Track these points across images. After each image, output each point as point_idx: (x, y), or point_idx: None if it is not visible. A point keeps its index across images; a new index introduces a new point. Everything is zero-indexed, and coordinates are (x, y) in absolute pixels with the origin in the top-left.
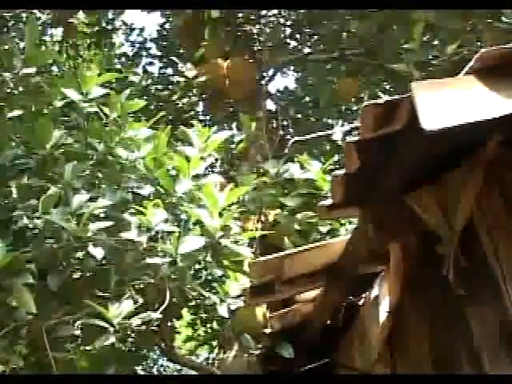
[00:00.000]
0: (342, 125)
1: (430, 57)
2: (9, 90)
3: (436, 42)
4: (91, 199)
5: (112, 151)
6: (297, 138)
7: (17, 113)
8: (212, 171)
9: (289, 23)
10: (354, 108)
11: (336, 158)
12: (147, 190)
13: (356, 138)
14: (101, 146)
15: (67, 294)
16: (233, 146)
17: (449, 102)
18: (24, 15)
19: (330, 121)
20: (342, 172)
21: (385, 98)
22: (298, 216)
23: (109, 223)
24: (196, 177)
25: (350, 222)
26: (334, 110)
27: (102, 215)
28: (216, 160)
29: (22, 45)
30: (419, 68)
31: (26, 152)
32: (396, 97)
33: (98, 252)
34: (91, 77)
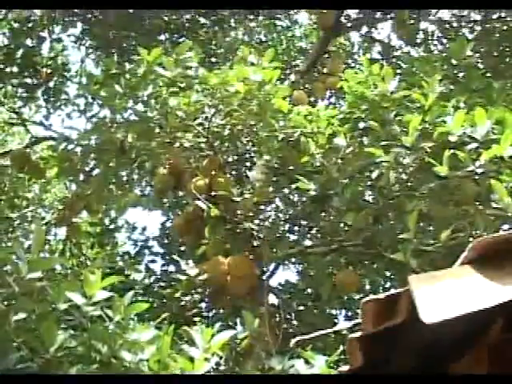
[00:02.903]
0: (346, 314)
1: (427, 242)
2: (12, 292)
3: (431, 228)
4: None
5: (116, 354)
6: (299, 338)
7: (21, 316)
8: (217, 369)
9: (287, 217)
10: (357, 297)
11: (341, 348)
12: None
13: (358, 334)
14: (104, 348)
15: None
16: (237, 341)
17: (447, 294)
18: (29, 214)
19: (333, 311)
20: (346, 368)
21: (386, 290)
22: None
23: None
24: None
25: None
26: (336, 301)
27: None
28: (220, 358)
29: (26, 242)
30: (416, 255)
31: (30, 355)
32: (395, 291)
33: None
34: (95, 281)
